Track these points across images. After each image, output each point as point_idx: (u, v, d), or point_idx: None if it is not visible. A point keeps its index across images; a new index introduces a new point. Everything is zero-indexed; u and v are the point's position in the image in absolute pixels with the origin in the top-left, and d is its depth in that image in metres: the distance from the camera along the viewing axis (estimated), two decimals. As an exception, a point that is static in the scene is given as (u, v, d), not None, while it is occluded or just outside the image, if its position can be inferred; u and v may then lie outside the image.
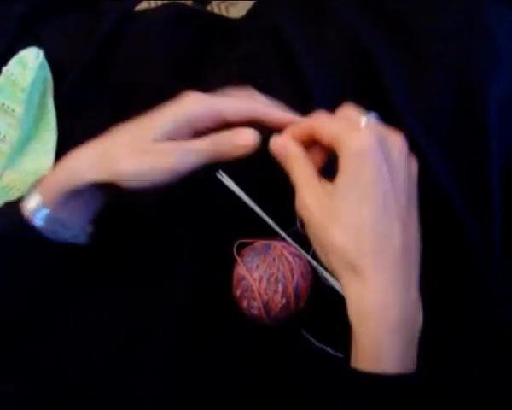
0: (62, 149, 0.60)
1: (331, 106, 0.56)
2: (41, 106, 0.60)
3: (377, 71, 0.56)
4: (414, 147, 0.54)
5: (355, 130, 0.39)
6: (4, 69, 0.58)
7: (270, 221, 0.52)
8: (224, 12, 0.68)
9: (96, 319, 0.52)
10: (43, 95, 0.60)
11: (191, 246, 0.55)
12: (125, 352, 0.51)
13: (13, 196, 0.57)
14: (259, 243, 0.51)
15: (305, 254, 0.51)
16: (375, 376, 0.38)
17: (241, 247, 0.52)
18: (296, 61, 0.58)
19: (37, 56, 0.58)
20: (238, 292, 0.49)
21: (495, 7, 0.57)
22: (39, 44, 0.59)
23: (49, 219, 0.44)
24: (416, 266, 0.41)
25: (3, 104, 0.58)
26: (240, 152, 0.43)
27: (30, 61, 0.58)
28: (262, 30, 0.62)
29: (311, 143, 0.43)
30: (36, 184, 0.46)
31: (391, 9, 0.59)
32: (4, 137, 0.58)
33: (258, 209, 0.52)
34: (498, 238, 0.54)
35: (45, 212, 0.44)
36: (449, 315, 0.53)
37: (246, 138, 0.43)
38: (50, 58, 0.59)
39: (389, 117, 0.55)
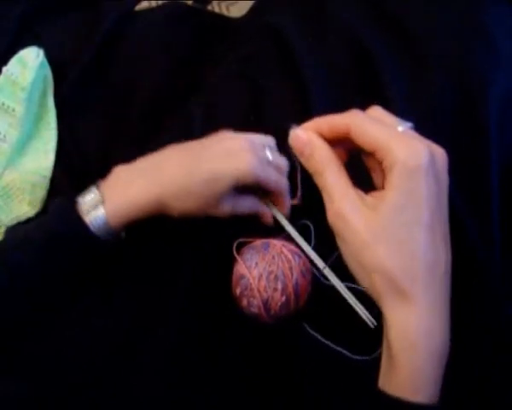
0: (62, 149, 0.60)
1: (331, 106, 0.56)
2: (41, 105, 0.60)
3: (377, 71, 0.56)
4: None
5: (407, 142, 0.36)
6: (4, 69, 0.58)
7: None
8: (224, 11, 0.68)
9: (96, 319, 0.52)
10: (44, 94, 0.60)
11: (191, 246, 0.55)
12: (125, 352, 0.51)
13: (13, 196, 0.57)
14: (259, 242, 0.51)
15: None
16: (414, 405, 0.36)
17: (241, 246, 0.52)
18: (296, 61, 0.58)
19: (38, 56, 0.58)
20: (238, 291, 0.49)
21: (495, 7, 0.57)
22: (39, 44, 0.59)
23: (104, 229, 0.48)
24: (450, 290, 0.38)
25: (3, 104, 0.58)
26: None
27: (30, 61, 0.57)
28: (262, 29, 0.62)
29: (335, 141, 0.39)
30: (103, 192, 0.49)
31: (391, 10, 0.59)
32: (4, 136, 0.58)
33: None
34: (498, 238, 0.54)
35: (103, 224, 0.47)
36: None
37: None
38: (50, 58, 0.59)
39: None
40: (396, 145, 0.35)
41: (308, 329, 0.52)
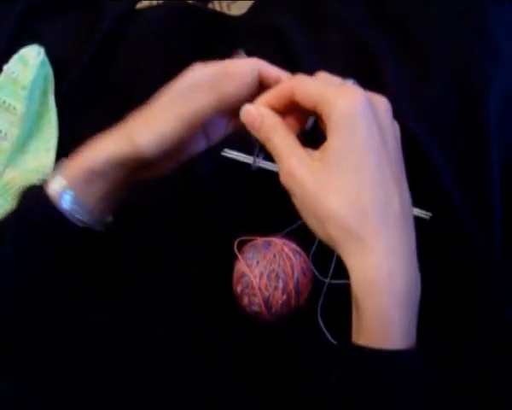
0: (63, 147, 0.60)
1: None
2: (42, 104, 0.60)
3: (378, 70, 0.56)
4: (415, 147, 0.54)
5: (343, 90, 0.37)
6: (5, 67, 0.58)
7: None
8: (225, 10, 0.68)
9: (96, 320, 0.52)
10: (45, 93, 0.60)
11: (192, 244, 0.55)
12: (125, 354, 0.51)
13: (14, 194, 0.57)
14: (260, 240, 0.51)
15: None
16: (382, 352, 0.36)
17: (242, 244, 0.52)
18: (297, 60, 0.58)
19: (39, 54, 0.58)
20: (239, 289, 0.49)
21: (495, 6, 0.57)
22: (40, 42, 0.59)
23: (73, 201, 0.44)
24: (413, 234, 0.38)
25: (4, 102, 0.58)
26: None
27: (31, 59, 0.58)
28: (263, 28, 0.62)
29: (286, 109, 0.41)
30: (58, 168, 0.45)
31: (391, 9, 0.59)
32: (5, 134, 0.58)
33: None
34: (499, 238, 0.54)
35: (70, 194, 0.44)
36: (449, 315, 0.53)
37: None
38: (51, 56, 0.59)
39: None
40: (332, 94, 0.36)
41: (321, 325, 0.52)
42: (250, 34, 0.63)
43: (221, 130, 0.48)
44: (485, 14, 0.57)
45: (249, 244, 0.51)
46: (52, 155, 0.59)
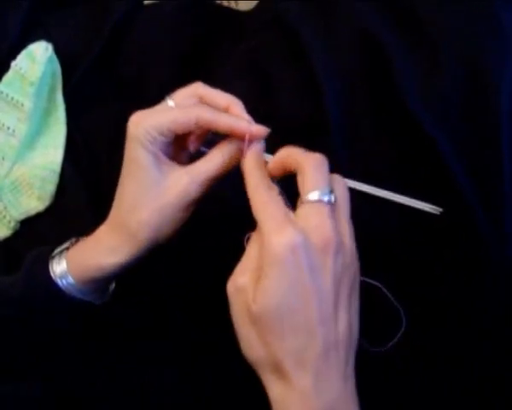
0: (71, 143, 0.60)
1: (342, 95, 0.56)
2: (50, 100, 0.60)
3: (388, 59, 0.56)
4: (426, 141, 0.54)
5: (282, 226, 0.36)
6: (13, 63, 0.58)
7: None
8: (233, 5, 0.68)
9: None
10: (53, 89, 0.60)
11: (201, 240, 0.55)
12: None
13: (22, 191, 0.57)
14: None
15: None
16: None
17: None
18: (306, 55, 0.57)
19: (46, 50, 0.58)
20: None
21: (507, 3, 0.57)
22: (48, 38, 0.59)
23: (73, 287, 0.46)
24: (348, 361, 0.38)
25: (13, 98, 0.58)
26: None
27: (39, 55, 0.57)
28: (271, 24, 0.62)
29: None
30: (66, 251, 0.47)
31: (401, 1, 0.58)
32: (13, 131, 0.58)
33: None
34: (511, 233, 0.53)
35: (71, 281, 0.45)
36: (460, 312, 0.53)
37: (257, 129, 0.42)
38: (59, 51, 0.59)
39: (399, 108, 0.55)
40: (270, 228, 0.36)
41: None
42: (259, 28, 0.62)
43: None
44: (495, 4, 0.56)
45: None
46: (60, 151, 0.59)
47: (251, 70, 0.59)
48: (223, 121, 0.41)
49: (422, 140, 0.54)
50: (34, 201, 0.57)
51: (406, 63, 0.56)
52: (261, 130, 0.42)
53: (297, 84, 0.58)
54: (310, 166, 0.38)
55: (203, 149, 0.46)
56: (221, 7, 0.67)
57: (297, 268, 0.35)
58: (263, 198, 0.38)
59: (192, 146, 0.46)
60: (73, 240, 0.48)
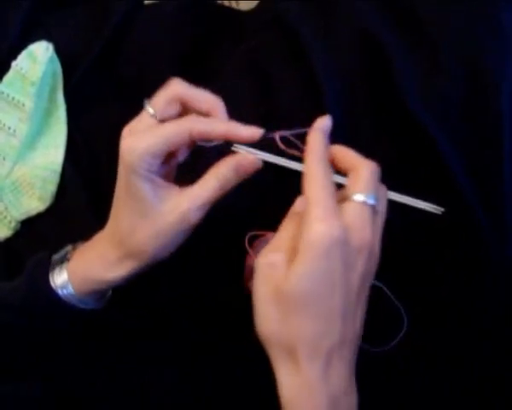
0: (71, 143, 0.60)
1: (342, 95, 0.56)
2: (51, 100, 0.60)
3: (388, 58, 0.56)
4: (426, 140, 0.54)
5: (325, 216, 0.36)
6: (14, 63, 0.58)
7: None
8: (233, 5, 0.68)
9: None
10: (53, 89, 0.60)
11: (202, 239, 0.55)
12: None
13: (23, 191, 0.57)
14: (271, 235, 0.50)
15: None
16: None
17: (253, 239, 0.52)
18: (306, 55, 0.57)
19: (47, 50, 0.58)
20: (250, 284, 0.49)
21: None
22: (48, 38, 0.59)
23: (73, 297, 0.46)
24: (354, 358, 0.39)
25: (13, 98, 0.58)
26: (248, 172, 0.43)
27: (40, 55, 0.57)
28: (271, 23, 0.62)
29: None
30: (67, 262, 0.47)
31: (402, 0, 0.58)
32: (14, 131, 0.58)
33: (286, 163, 0.50)
34: (511, 233, 0.54)
35: (71, 292, 0.46)
36: (460, 311, 0.53)
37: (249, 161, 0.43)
38: (60, 51, 0.59)
39: (399, 108, 0.55)
40: (311, 219, 0.36)
41: None
42: (259, 28, 0.62)
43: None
44: (495, 4, 0.56)
45: (261, 239, 0.51)
46: (61, 151, 0.59)
47: (251, 70, 0.59)
48: (217, 130, 0.41)
49: (422, 140, 0.54)
50: (35, 201, 0.57)
51: (406, 63, 0.56)
52: (256, 133, 0.41)
53: (297, 85, 0.58)
54: (367, 169, 0.39)
55: (202, 144, 0.45)
56: (221, 7, 0.67)
57: (333, 260, 0.36)
58: (320, 181, 0.38)
59: (182, 156, 0.45)
60: (70, 248, 0.48)
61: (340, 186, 0.40)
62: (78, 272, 0.46)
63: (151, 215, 0.42)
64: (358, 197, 0.38)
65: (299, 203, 0.40)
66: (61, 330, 0.50)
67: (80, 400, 0.51)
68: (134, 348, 0.53)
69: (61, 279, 0.46)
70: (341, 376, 0.37)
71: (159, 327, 0.53)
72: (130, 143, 0.40)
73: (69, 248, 0.48)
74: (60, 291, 0.45)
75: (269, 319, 0.38)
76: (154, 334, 0.53)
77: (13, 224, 0.57)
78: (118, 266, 0.44)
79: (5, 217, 0.57)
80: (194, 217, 0.42)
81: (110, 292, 0.51)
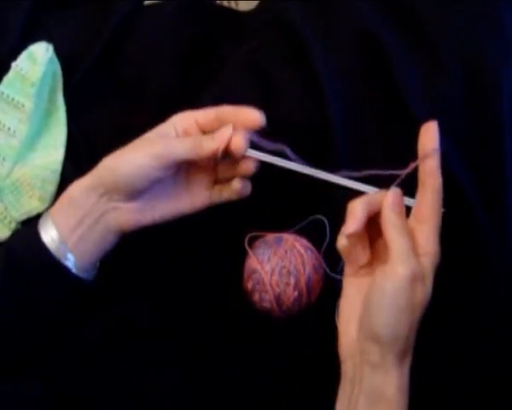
0: (71, 143, 0.60)
1: (343, 96, 0.56)
2: (51, 101, 0.60)
3: (388, 58, 0.56)
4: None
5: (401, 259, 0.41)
6: (14, 64, 0.58)
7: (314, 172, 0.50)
8: (233, 5, 0.68)
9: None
10: (53, 90, 0.60)
11: (202, 240, 0.55)
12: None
13: (23, 191, 0.57)
14: (271, 236, 0.51)
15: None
16: None
17: (253, 240, 0.52)
18: (306, 55, 0.57)
19: (47, 51, 0.58)
20: (249, 285, 0.49)
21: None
22: (48, 38, 0.59)
23: (62, 246, 0.47)
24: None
25: (13, 99, 0.58)
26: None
27: (39, 56, 0.57)
28: (272, 23, 0.62)
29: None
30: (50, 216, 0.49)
31: (401, 1, 0.58)
32: (14, 132, 0.58)
33: (296, 167, 0.50)
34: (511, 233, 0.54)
35: (65, 249, 0.47)
36: (460, 311, 0.53)
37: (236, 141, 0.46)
38: (60, 52, 0.59)
39: (399, 108, 0.55)
40: (394, 258, 0.41)
41: None
42: (259, 28, 0.62)
43: (205, 198, 0.51)
44: (495, 4, 0.56)
45: (260, 240, 0.51)
46: (61, 152, 0.59)
47: (251, 70, 0.59)
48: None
49: None
50: (35, 201, 0.57)
51: (406, 63, 0.56)
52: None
53: (297, 84, 0.58)
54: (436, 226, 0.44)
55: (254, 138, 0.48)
56: (221, 7, 0.67)
57: (405, 300, 0.41)
58: (403, 232, 0.43)
59: None
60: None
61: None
62: (60, 214, 0.48)
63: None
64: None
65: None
66: (57, 305, 0.50)
67: (80, 400, 0.51)
68: (134, 348, 0.53)
69: (46, 224, 0.48)
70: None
71: (159, 327, 0.53)
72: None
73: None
74: (48, 239, 0.47)
75: (396, 326, 0.41)
76: (154, 334, 0.53)
77: (13, 224, 0.57)
78: (92, 174, 0.49)
79: (5, 217, 0.57)
80: (157, 164, 0.46)
81: (98, 264, 0.51)
